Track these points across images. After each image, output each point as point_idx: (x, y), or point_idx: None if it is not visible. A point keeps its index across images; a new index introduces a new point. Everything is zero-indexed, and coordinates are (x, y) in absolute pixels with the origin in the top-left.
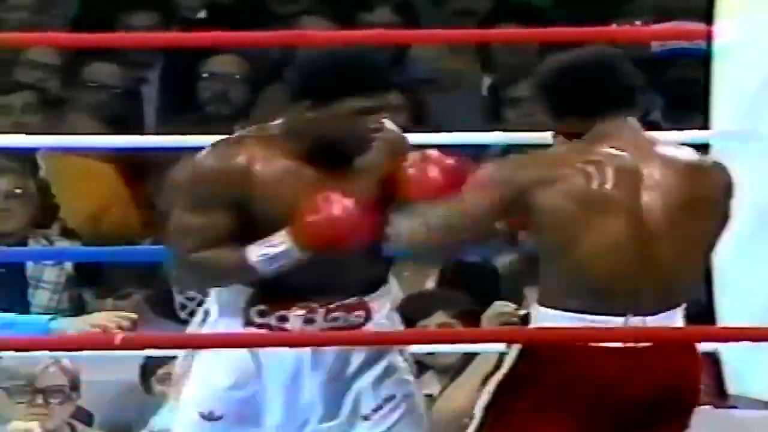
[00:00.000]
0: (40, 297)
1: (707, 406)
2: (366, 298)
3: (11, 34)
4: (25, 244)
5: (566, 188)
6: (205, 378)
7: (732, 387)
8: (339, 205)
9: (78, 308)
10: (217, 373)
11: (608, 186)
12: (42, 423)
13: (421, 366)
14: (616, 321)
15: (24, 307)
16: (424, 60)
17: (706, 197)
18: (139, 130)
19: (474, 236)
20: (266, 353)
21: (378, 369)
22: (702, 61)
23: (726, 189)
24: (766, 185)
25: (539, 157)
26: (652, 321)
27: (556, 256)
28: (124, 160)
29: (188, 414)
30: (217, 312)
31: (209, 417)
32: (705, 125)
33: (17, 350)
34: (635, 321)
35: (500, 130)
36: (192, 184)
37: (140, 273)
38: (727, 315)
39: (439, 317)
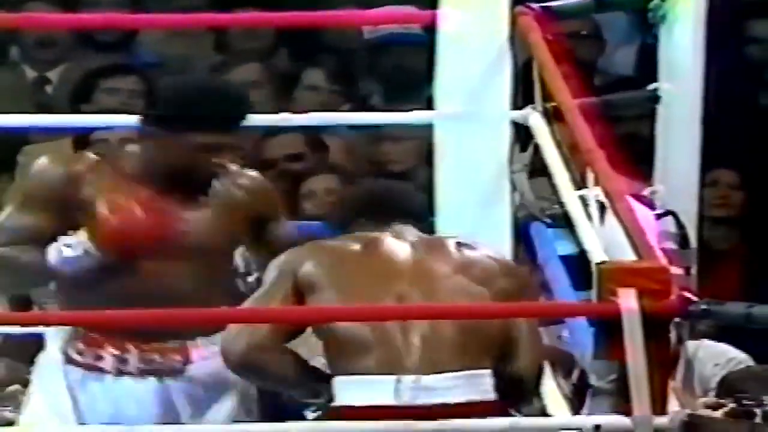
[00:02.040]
0: None
1: None
2: (188, 343)
3: None
4: None
5: (338, 284)
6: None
7: None
8: (137, 209)
9: None
10: (40, 416)
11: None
12: None
13: None
14: (389, 379)
15: None
16: (152, 43)
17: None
18: None
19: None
20: (85, 392)
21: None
22: (418, 46)
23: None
24: (486, 165)
25: (326, 248)
26: (428, 380)
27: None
28: None
29: None
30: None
31: None
32: (428, 107)
33: None
34: (408, 379)
35: None
36: (27, 185)
37: None
38: None
39: None
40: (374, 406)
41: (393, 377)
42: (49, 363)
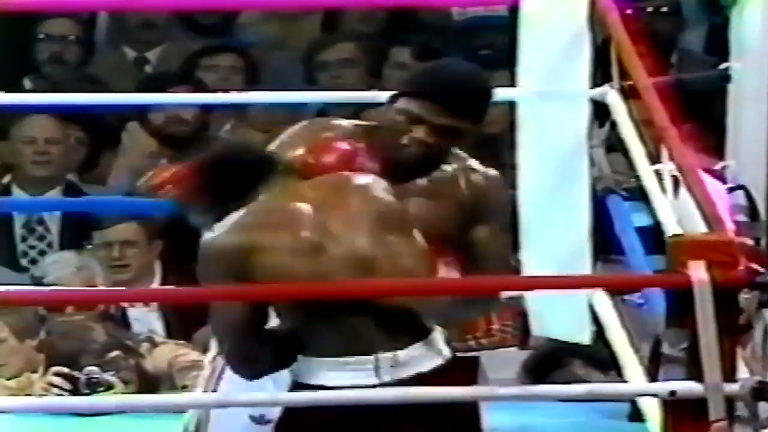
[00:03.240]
0: None
1: (514, 348)
2: None
3: None
4: None
5: (279, 244)
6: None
7: (535, 329)
8: None
9: None
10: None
11: (315, 231)
12: None
13: None
14: (368, 360)
15: None
16: (250, 24)
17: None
18: None
19: None
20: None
21: None
22: (502, 28)
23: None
24: (565, 140)
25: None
26: (404, 354)
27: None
28: None
29: (238, 417)
30: None
31: (260, 420)
32: (512, 85)
33: None
34: (386, 357)
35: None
36: None
37: None
38: (531, 263)
39: None
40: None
41: (372, 357)
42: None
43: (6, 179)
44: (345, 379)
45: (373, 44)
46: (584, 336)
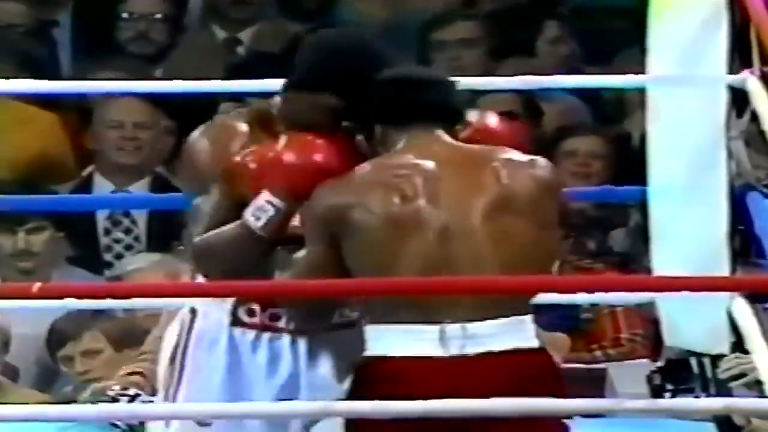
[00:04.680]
0: None
1: (645, 359)
2: None
3: None
4: None
5: (374, 208)
6: (197, 383)
7: (668, 339)
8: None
9: None
10: (208, 377)
11: (414, 200)
12: None
13: None
14: (432, 329)
15: None
16: (352, 2)
17: (526, 198)
18: (54, 74)
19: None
20: (258, 353)
21: None
22: (618, 9)
23: (549, 188)
24: (701, 131)
25: (350, 180)
26: (473, 328)
27: (372, 274)
28: (68, 110)
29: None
30: (203, 312)
31: (201, 423)
32: (641, 70)
33: None
34: (453, 328)
35: None
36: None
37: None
38: (663, 265)
39: None
40: (417, 357)
41: (437, 326)
42: (212, 327)
43: (88, 170)
44: (404, 350)
45: (496, 24)
46: (722, 347)
